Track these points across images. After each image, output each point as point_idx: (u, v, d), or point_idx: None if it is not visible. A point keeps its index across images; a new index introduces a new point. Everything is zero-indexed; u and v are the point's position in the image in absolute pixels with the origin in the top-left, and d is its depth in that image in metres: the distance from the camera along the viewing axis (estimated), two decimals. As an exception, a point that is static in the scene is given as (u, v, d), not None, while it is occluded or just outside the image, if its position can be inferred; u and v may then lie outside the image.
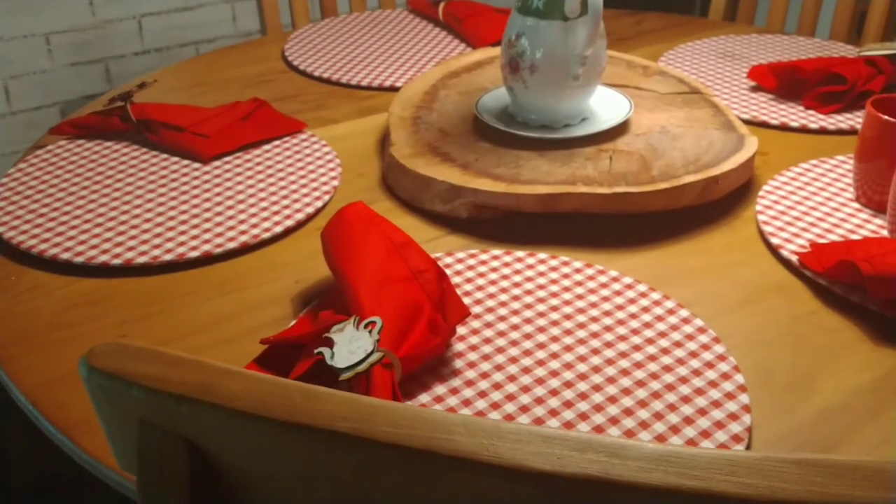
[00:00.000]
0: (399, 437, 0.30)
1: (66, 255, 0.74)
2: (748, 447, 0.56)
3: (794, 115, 1.00)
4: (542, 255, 0.74)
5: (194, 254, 0.74)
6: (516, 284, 0.70)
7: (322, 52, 1.19)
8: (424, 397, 0.58)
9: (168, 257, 0.74)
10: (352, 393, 0.33)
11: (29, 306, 0.70)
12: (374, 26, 1.28)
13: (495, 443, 0.30)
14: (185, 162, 0.90)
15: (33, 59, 1.82)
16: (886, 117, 0.77)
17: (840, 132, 0.97)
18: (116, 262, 0.73)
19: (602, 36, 0.86)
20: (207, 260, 0.75)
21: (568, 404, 0.57)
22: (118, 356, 0.35)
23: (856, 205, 0.82)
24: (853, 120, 0.98)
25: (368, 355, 0.54)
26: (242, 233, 0.78)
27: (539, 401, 0.58)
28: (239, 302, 0.70)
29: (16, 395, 0.61)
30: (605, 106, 0.93)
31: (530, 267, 0.73)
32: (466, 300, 0.68)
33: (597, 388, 0.59)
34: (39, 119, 1.87)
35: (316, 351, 0.56)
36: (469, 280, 0.71)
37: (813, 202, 0.82)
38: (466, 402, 0.57)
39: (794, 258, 0.74)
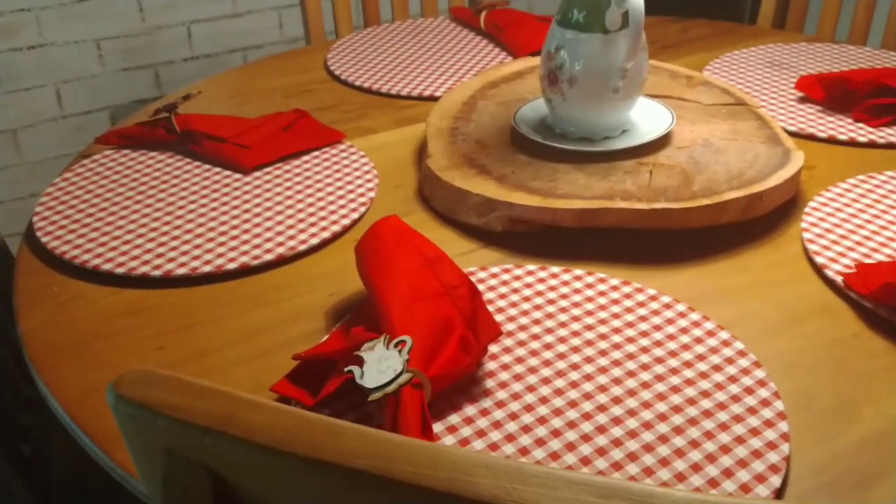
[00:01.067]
0: (419, 477, 0.30)
1: (107, 266, 0.75)
2: (786, 477, 0.54)
3: (843, 127, 0.97)
4: (578, 272, 0.73)
5: (232, 265, 0.75)
6: (551, 301, 0.70)
7: (363, 62, 1.19)
8: (454, 418, 0.58)
9: (207, 269, 0.75)
10: (375, 429, 0.33)
11: (70, 316, 0.71)
12: (415, 35, 1.28)
13: (518, 487, 0.29)
14: (227, 173, 0.91)
15: (84, 65, 1.87)
16: (939, 134, 0.74)
17: (890, 146, 0.94)
18: (156, 273, 0.74)
19: (643, 48, 0.85)
20: (245, 272, 0.76)
21: (601, 429, 0.56)
22: (145, 385, 0.35)
23: (905, 223, 0.79)
24: (905, 133, 0.95)
25: (398, 375, 0.54)
26: (279, 244, 0.78)
27: (571, 425, 0.57)
28: (274, 314, 0.71)
29: (54, 406, 0.62)
30: (646, 118, 0.92)
31: (565, 283, 0.72)
32: (499, 316, 0.68)
33: (631, 412, 0.58)
34: (90, 123, 1.91)
35: (346, 369, 0.56)
36: (503, 296, 0.71)
37: (860, 220, 0.80)
38: (497, 425, 0.57)
39: (839, 279, 0.71)
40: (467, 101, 0.99)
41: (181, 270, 0.75)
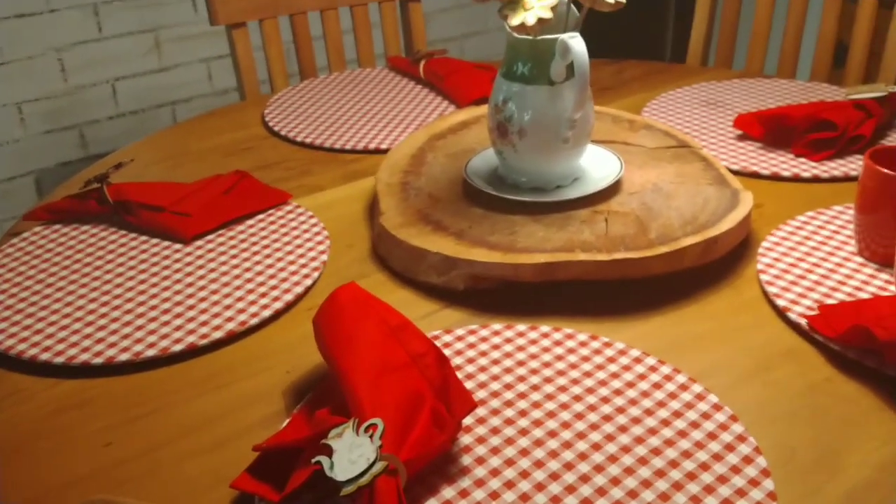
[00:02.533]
0: None
1: (45, 356, 0.70)
2: (778, 539, 0.53)
3: (785, 163, 0.98)
4: (545, 328, 0.71)
5: (178, 347, 0.71)
6: (520, 363, 0.67)
7: (303, 116, 1.17)
8: (432, 503, 0.54)
9: (151, 353, 0.70)
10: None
11: (8, 414, 0.66)
12: (354, 86, 1.26)
13: None
14: (166, 243, 0.86)
15: (6, 129, 1.79)
16: (886, 170, 0.75)
17: (833, 180, 0.95)
18: (97, 360, 0.69)
19: (590, 98, 0.84)
20: (193, 352, 0.71)
21: (586, 502, 0.54)
22: (105, 522, 0.31)
23: (859, 259, 0.80)
24: (846, 166, 0.97)
25: (371, 465, 0.51)
26: (228, 320, 0.74)
27: (555, 500, 0.54)
28: (228, 398, 0.67)
29: (-6, 520, 0.57)
30: (595, 164, 0.91)
31: (533, 342, 0.70)
32: (469, 383, 0.65)
33: (615, 481, 0.56)
34: (14, 189, 1.83)
35: (314, 460, 0.52)
36: (471, 360, 0.68)
37: (815, 258, 0.80)
38: (478, 506, 0.54)
39: (803, 321, 0.71)
40: (416, 154, 0.97)
41: (124, 356, 0.70)
